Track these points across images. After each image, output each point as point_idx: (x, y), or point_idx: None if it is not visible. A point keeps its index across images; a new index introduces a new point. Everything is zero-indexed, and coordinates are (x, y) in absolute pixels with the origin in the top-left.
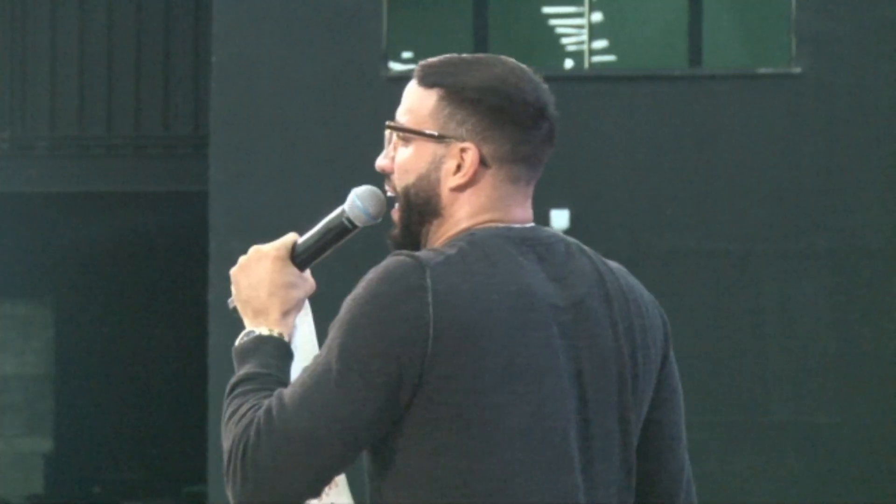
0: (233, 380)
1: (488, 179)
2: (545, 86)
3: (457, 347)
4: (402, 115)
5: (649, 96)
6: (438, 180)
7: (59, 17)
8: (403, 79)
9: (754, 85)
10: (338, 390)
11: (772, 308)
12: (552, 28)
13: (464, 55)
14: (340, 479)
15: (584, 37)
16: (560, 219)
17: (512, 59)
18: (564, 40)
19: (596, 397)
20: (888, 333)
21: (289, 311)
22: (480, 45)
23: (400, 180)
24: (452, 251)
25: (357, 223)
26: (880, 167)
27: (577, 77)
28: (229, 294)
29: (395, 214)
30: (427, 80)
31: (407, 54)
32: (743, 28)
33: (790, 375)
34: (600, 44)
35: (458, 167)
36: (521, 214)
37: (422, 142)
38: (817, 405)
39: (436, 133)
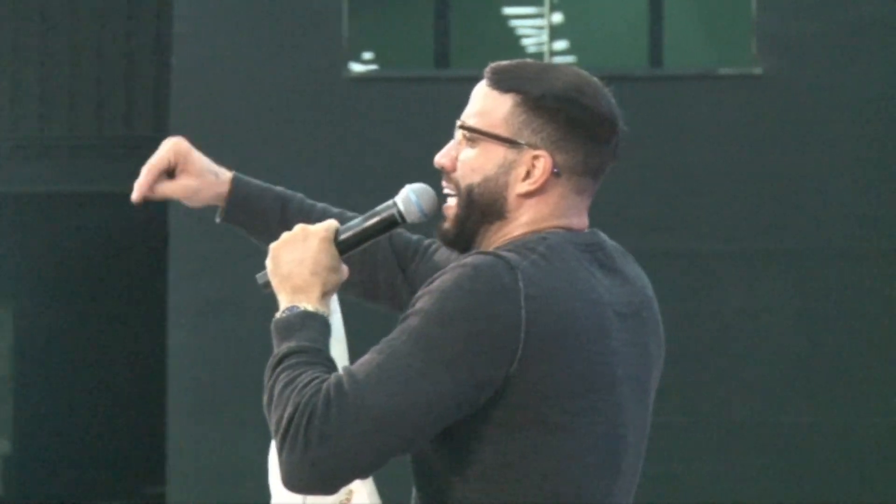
0: (282, 350)
1: (557, 189)
2: (614, 100)
3: (543, 353)
4: (472, 118)
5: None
6: (506, 184)
7: (20, 18)
8: (364, 80)
9: (716, 85)
10: (420, 379)
11: (736, 308)
12: (513, 29)
13: (534, 61)
14: (367, 481)
15: (545, 37)
16: None
17: (583, 70)
18: (525, 41)
19: (643, 402)
20: (853, 333)
21: (327, 293)
22: (441, 46)
23: (464, 178)
24: (534, 255)
25: (408, 218)
26: (844, 167)
27: None
28: (189, 296)
29: (449, 210)
30: (502, 85)
31: (368, 55)
32: (704, 28)
33: (755, 375)
34: (561, 44)
35: (528, 174)
36: (579, 222)
37: (491, 144)
38: (782, 405)
39: (510, 138)
